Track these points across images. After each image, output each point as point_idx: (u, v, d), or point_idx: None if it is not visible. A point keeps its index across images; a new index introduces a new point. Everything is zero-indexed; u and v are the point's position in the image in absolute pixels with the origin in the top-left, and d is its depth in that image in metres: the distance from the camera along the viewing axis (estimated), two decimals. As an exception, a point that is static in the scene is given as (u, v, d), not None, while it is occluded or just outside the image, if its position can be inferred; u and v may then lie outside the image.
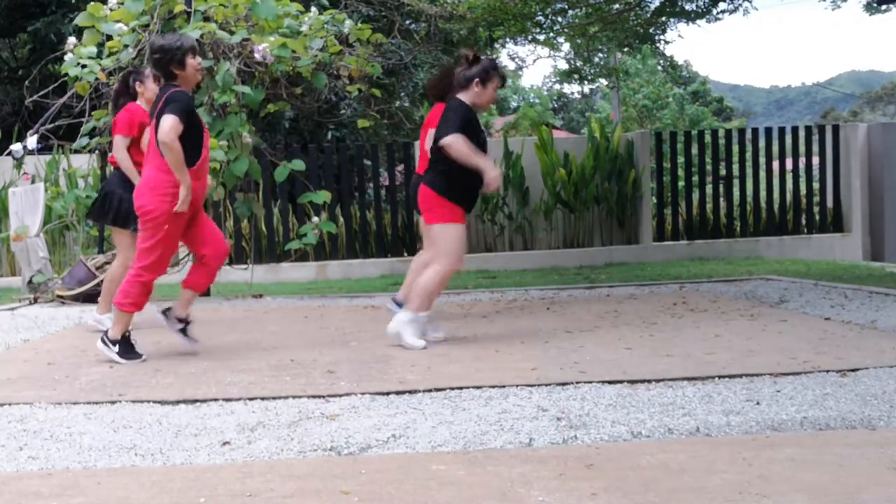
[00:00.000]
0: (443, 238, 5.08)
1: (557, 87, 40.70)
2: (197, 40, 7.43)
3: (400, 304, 5.93)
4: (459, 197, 5.10)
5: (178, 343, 5.14)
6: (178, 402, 3.92)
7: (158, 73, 4.96)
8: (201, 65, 5.01)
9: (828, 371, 4.13)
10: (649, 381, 4.04)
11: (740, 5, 11.84)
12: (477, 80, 5.08)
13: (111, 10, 7.73)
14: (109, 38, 7.71)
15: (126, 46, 7.70)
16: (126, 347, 4.88)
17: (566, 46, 16.12)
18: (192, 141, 4.84)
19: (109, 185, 6.12)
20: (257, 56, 7.47)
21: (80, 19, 7.79)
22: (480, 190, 5.16)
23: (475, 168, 4.99)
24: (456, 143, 4.95)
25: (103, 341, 4.90)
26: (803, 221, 12.12)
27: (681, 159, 15.06)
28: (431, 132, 5.94)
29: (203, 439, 3.31)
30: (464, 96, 5.12)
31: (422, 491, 2.64)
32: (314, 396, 3.93)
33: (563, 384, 4.02)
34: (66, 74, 7.72)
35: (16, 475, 2.94)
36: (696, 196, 12.47)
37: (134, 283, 4.89)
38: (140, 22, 7.70)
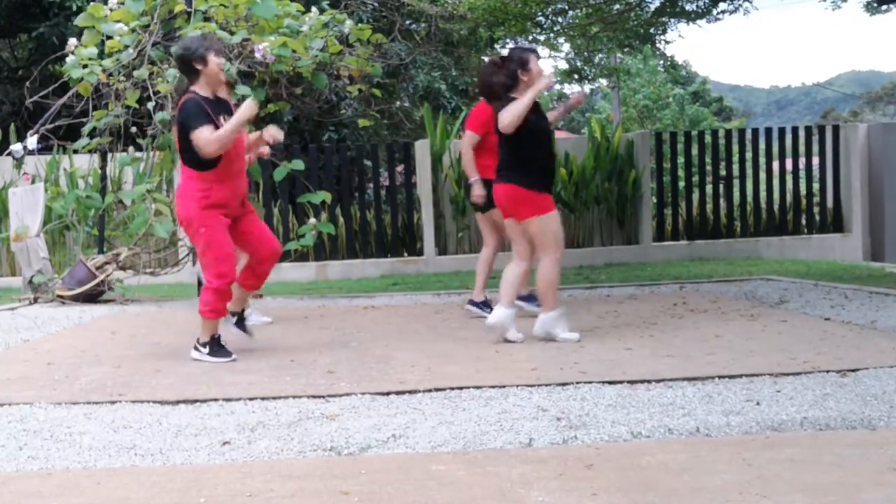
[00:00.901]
0: (544, 230, 5.14)
1: (558, 87, 40.69)
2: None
3: (489, 307, 6.13)
4: (543, 185, 5.16)
5: (235, 336, 5.19)
6: (178, 402, 3.92)
7: (182, 72, 5.02)
8: (224, 65, 5.03)
9: (828, 371, 4.13)
10: (649, 382, 4.04)
11: (740, 5, 11.82)
12: (519, 71, 5.18)
13: (111, 10, 7.73)
14: (110, 38, 7.72)
15: (126, 47, 7.71)
16: (216, 347, 4.92)
17: (566, 46, 16.12)
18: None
19: None
20: (258, 56, 7.47)
21: (81, 19, 7.80)
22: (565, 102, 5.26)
23: (529, 102, 5.04)
24: (502, 119, 5.05)
25: (195, 348, 4.97)
26: (803, 222, 12.12)
27: (681, 159, 15.04)
28: (469, 133, 6.10)
29: (203, 439, 3.31)
30: (518, 93, 5.18)
31: (421, 491, 2.64)
32: (314, 396, 3.93)
33: (563, 384, 4.02)
34: (69, 75, 7.72)
35: (16, 475, 2.94)
36: (696, 196, 12.46)
37: (206, 290, 4.93)
38: (140, 22, 7.71)
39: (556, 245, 5.16)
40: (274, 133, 5.07)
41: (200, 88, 4.89)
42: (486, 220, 6.31)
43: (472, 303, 6.43)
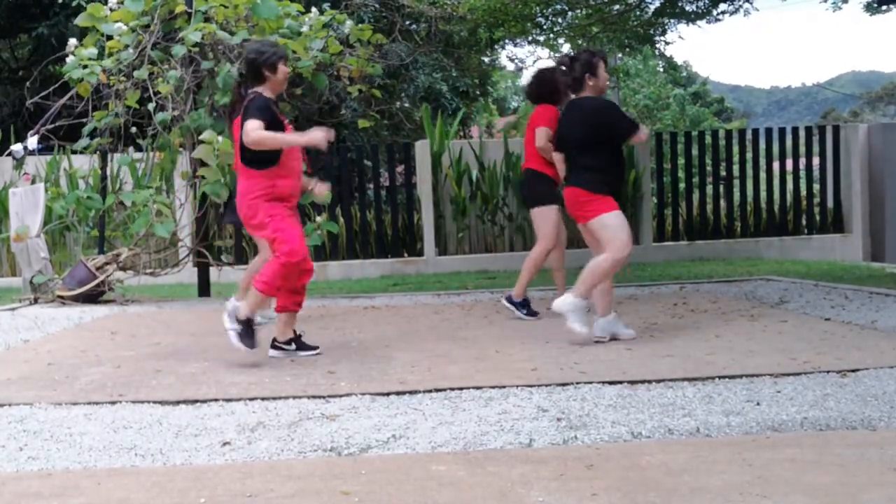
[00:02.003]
0: (607, 228, 5.10)
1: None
2: (198, 42, 7.45)
3: (512, 303, 6.23)
4: (608, 189, 5.19)
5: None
6: (178, 402, 3.92)
7: (248, 74, 4.98)
8: (288, 74, 5.08)
9: (828, 371, 4.12)
10: (649, 382, 4.04)
11: (741, 6, 11.84)
12: (587, 74, 5.19)
13: (111, 10, 7.74)
14: (110, 38, 7.72)
15: (126, 47, 7.71)
16: (247, 331, 4.74)
17: (566, 47, 16.11)
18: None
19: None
20: (258, 56, 7.47)
21: (81, 20, 7.80)
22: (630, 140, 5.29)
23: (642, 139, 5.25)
24: (642, 135, 5.17)
25: (230, 318, 4.74)
26: (803, 222, 12.12)
27: (681, 160, 15.06)
28: (542, 130, 6.12)
29: (203, 440, 3.31)
30: (587, 94, 5.23)
31: (422, 491, 2.64)
32: (314, 397, 3.93)
33: (564, 384, 4.02)
34: (69, 76, 7.72)
35: (16, 475, 2.94)
36: (696, 196, 12.48)
37: (272, 263, 4.80)
38: (140, 22, 7.71)
39: (619, 242, 5.05)
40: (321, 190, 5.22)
41: (265, 91, 4.92)
42: (549, 218, 6.33)
43: (512, 303, 6.32)
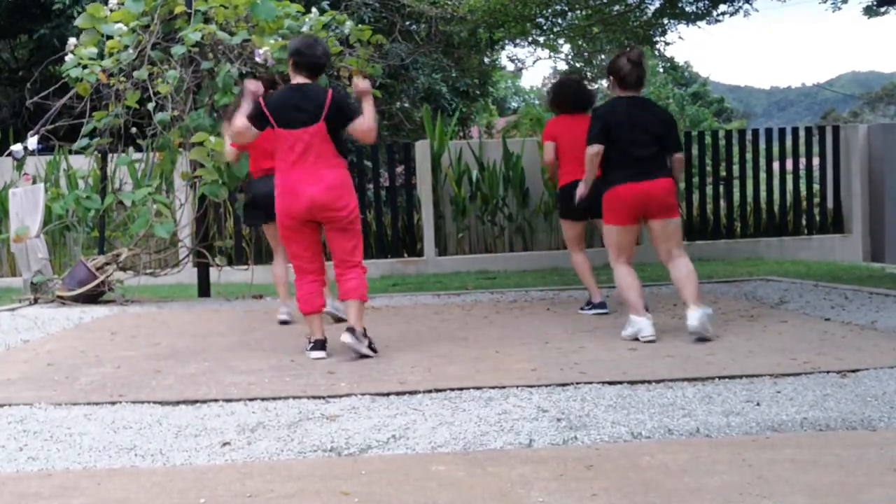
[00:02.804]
0: (679, 229, 5.36)
1: (558, 87, 40.56)
2: (197, 42, 7.46)
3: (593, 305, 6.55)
4: None
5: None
6: (178, 402, 3.92)
7: (313, 71, 4.99)
8: None
9: (828, 372, 4.12)
10: (649, 382, 4.04)
11: (741, 7, 11.84)
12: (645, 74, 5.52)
13: (111, 10, 7.74)
14: (110, 38, 7.73)
15: (126, 47, 7.71)
16: (368, 340, 4.90)
17: (566, 47, 16.14)
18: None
19: (262, 188, 6.24)
20: (258, 58, 7.48)
21: (81, 20, 7.81)
22: None
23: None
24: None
25: (353, 333, 4.81)
26: (803, 222, 12.12)
27: (681, 160, 15.03)
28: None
29: (203, 440, 3.31)
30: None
31: (422, 492, 2.64)
32: (314, 397, 3.93)
33: (564, 385, 4.02)
34: (67, 75, 7.73)
35: (16, 476, 2.94)
36: (696, 197, 12.48)
37: (363, 275, 5.04)
38: (140, 22, 7.72)
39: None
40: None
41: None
42: (578, 228, 6.79)
43: (592, 306, 6.64)
